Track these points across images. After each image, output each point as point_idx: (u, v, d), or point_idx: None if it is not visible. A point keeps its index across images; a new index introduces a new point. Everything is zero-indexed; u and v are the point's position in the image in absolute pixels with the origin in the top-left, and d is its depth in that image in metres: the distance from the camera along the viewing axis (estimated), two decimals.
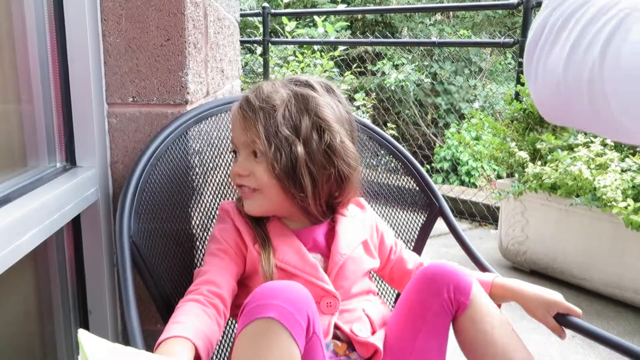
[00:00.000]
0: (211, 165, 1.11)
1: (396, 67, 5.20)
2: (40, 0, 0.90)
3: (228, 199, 1.15)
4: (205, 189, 1.09)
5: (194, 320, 0.72)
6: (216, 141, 1.11)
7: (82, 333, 0.55)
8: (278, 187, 0.86)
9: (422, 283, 0.84)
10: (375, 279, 1.08)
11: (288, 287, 0.70)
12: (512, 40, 2.97)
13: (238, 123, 0.88)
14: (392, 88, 4.93)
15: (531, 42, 0.51)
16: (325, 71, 4.27)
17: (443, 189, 3.53)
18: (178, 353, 0.65)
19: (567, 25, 0.46)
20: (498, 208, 2.75)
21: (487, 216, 3.17)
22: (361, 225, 0.96)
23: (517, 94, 2.64)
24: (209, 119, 1.07)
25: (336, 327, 0.85)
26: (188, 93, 1.02)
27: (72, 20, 0.93)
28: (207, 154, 1.09)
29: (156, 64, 1.00)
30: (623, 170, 2.00)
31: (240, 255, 0.88)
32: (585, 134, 2.24)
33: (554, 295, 0.90)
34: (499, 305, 0.93)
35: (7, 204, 0.73)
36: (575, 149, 2.15)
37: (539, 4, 2.86)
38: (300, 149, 0.83)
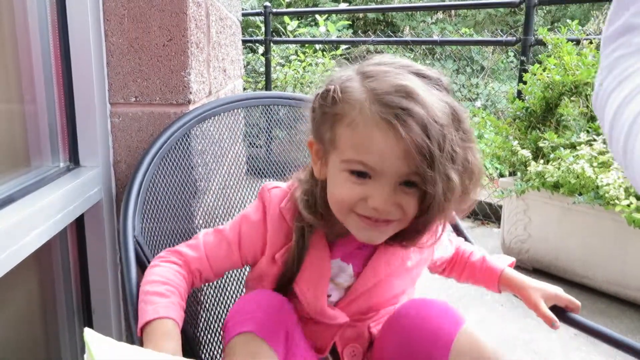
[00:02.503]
0: (214, 165, 1.11)
1: None
2: (42, 0, 0.91)
3: (230, 200, 1.15)
4: (208, 189, 1.09)
5: (174, 294, 0.73)
6: (219, 140, 1.11)
7: (88, 332, 0.55)
8: (411, 218, 0.71)
9: (400, 340, 0.77)
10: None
11: (262, 298, 0.73)
12: (515, 38, 2.97)
13: (394, 149, 0.64)
14: None
15: (596, 100, 0.59)
16: (327, 70, 4.27)
17: None
18: (175, 338, 0.67)
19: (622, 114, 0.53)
20: (500, 206, 2.75)
21: (489, 214, 3.17)
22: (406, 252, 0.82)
23: (519, 93, 2.64)
24: (212, 118, 1.07)
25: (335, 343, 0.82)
26: (190, 93, 1.02)
27: (75, 20, 0.94)
28: (210, 153, 1.10)
29: (158, 64, 1.00)
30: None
31: (243, 258, 0.81)
32: (588, 131, 2.24)
33: (554, 289, 0.91)
34: (499, 290, 0.94)
35: (11, 203, 0.73)
36: (578, 147, 2.15)
37: (541, 2, 2.86)
38: (457, 180, 0.66)
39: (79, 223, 0.97)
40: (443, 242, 0.93)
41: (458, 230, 1.10)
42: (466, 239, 1.06)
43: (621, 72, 0.55)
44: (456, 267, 0.98)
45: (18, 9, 0.88)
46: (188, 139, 1.02)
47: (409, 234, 0.74)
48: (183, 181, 1.01)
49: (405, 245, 0.77)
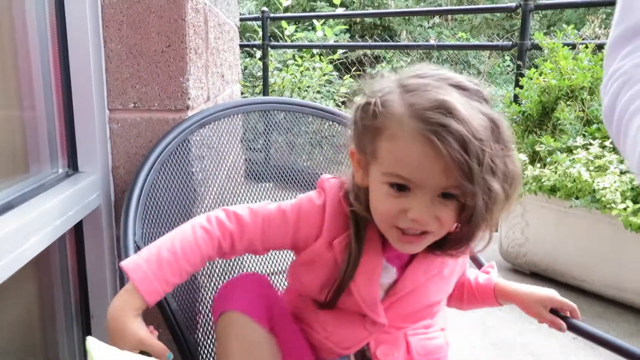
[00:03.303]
0: (212, 170, 1.11)
1: (395, 70, 5.21)
2: (42, 6, 0.91)
3: (228, 204, 1.15)
4: (207, 194, 1.10)
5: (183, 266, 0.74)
6: (217, 146, 1.12)
7: (90, 340, 0.55)
8: (449, 230, 0.73)
9: None
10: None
11: (244, 279, 0.81)
12: (511, 43, 2.98)
13: (434, 164, 0.65)
14: None
15: (606, 113, 0.59)
16: (324, 74, 4.29)
17: None
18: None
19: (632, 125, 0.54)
20: None
21: None
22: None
23: (515, 97, 2.65)
24: (211, 124, 1.07)
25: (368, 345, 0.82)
26: (189, 99, 1.03)
27: (74, 26, 0.94)
28: (209, 159, 1.10)
29: (157, 70, 1.00)
30: (622, 172, 2.00)
31: (295, 240, 0.80)
32: (584, 135, 2.25)
33: (548, 292, 0.91)
34: (500, 304, 0.94)
35: (11, 210, 0.73)
36: (575, 151, 2.16)
37: (537, 7, 2.87)
38: (501, 193, 0.67)
39: (77, 229, 0.97)
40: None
41: None
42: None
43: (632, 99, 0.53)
44: (455, 294, 0.96)
45: (17, 16, 0.88)
46: (187, 145, 1.02)
47: (454, 244, 0.75)
48: (182, 187, 1.02)
49: (452, 255, 0.77)
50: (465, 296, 0.96)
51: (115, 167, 1.02)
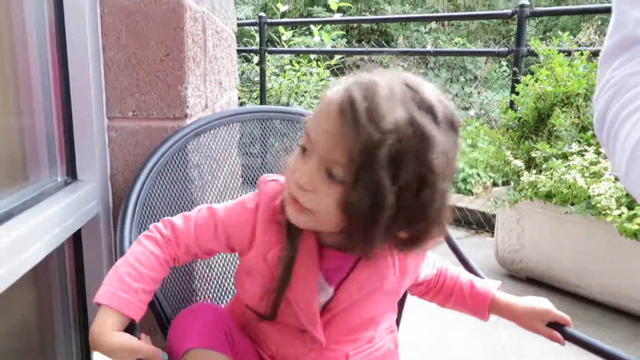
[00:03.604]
0: (209, 177, 1.12)
1: None
2: (41, 14, 0.92)
3: None
4: (204, 201, 1.10)
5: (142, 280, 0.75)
6: (214, 154, 1.12)
7: (97, 356, 0.56)
8: (338, 220, 0.67)
9: None
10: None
11: (196, 310, 0.77)
12: (507, 49, 3.00)
13: (330, 123, 0.64)
14: None
15: (598, 121, 0.60)
16: (321, 80, 4.30)
17: None
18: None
19: (621, 132, 0.55)
20: (494, 216, 2.77)
21: (483, 224, 3.19)
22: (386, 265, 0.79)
23: (511, 103, 2.67)
24: (208, 132, 1.08)
25: None
26: (187, 107, 1.03)
27: (73, 34, 0.95)
28: (206, 166, 1.10)
29: (156, 79, 1.01)
30: (617, 179, 2.02)
31: (230, 246, 0.79)
32: (579, 141, 2.26)
33: (542, 304, 0.90)
34: (487, 318, 0.94)
35: (10, 219, 0.73)
36: (570, 158, 2.17)
37: (533, 14, 2.90)
38: (391, 199, 0.62)
39: (76, 236, 0.98)
40: (429, 263, 0.92)
41: (450, 243, 1.11)
42: (458, 253, 1.07)
43: (636, 95, 0.53)
44: (443, 292, 0.95)
45: (16, 23, 0.89)
46: (184, 153, 1.03)
47: (352, 244, 0.70)
48: (179, 194, 1.02)
49: (363, 255, 0.73)
50: (453, 297, 0.94)
51: (114, 175, 1.03)
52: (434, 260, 0.94)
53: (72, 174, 0.97)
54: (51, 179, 0.95)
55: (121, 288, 0.71)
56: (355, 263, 0.76)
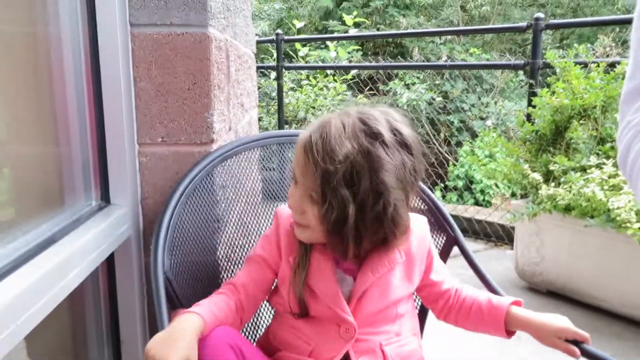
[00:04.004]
0: (233, 196, 1.16)
1: (407, 86, 5.26)
2: (78, 50, 0.98)
3: (249, 230, 1.20)
4: (229, 222, 1.14)
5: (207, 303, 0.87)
6: (238, 174, 1.17)
7: None
8: (325, 232, 0.86)
9: None
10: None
11: (202, 342, 0.80)
12: (523, 62, 3.01)
13: (301, 160, 0.86)
14: (405, 107, 4.98)
15: (621, 158, 0.67)
16: (338, 94, 4.35)
17: (458, 209, 3.55)
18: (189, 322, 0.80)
19: None
20: (513, 228, 2.77)
21: (502, 236, 3.18)
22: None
23: (528, 116, 2.67)
24: (233, 157, 1.13)
25: (348, 355, 0.89)
26: (214, 132, 1.08)
27: (107, 67, 1.00)
28: (230, 187, 1.15)
29: (183, 106, 1.06)
30: None
31: (270, 266, 0.95)
32: (598, 154, 2.26)
33: (562, 322, 0.92)
34: (513, 333, 0.96)
35: (52, 245, 0.78)
36: (588, 170, 2.17)
37: (548, 27, 2.91)
38: (352, 211, 0.81)
39: (109, 259, 1.02)
40: (441, 271, 1.02)
41: (467, 258, 1.13)
42: (477, 269, 1.09)
43: None
44: (462, 310, 1.00)
45: (56, 58, 0.95)
46: (211, 177, 1.07)
47: (332, 247, 0.89)
48: (207, 216, 1.07)
49: (387, 247, 0.89)
50: (472, 314, 0.98)
51: (144, 199, 1.08)
52: (447, 273, 1.04)
53: (105, 198, 1.03)
54: (86, 204, 1.00)
55: (206, 307, 0.85)
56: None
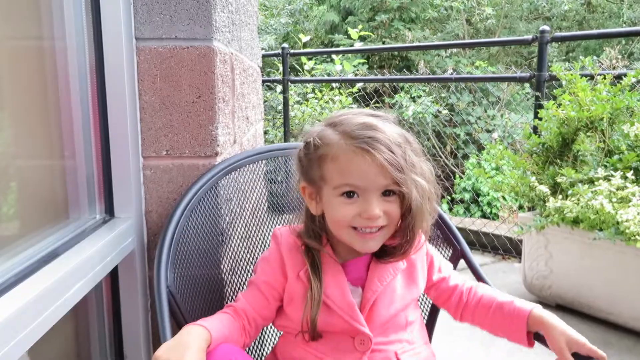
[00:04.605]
0: (238, 209, 1.16)
1: (413, 99, 5.27)
2: (83, 64, 0.99)
3: (254, 243, 1.19)
4: (233, 235, 1.14)
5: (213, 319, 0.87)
6: (243, 187, 1.17)
7: None
8: (397, 222, 0.89)
9: None
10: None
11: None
12: (528, 75, 3.01)
13: (371, 167, 0.84)
14: (411, 120, 4.99)
15: None
16: (343, 107, 4.36)
17: (465, 222, 3.52)
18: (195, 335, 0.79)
19: None
20: (521, 241, 2.74)
21: (510, 249, 3.15)
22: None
23: (535, 128, 2.66)
24: (237, 170, 1.12)
25: None
26: (218, 145, 1.08)
27: (112, 81, 1.01)
28: (235, 200, 1.15)
29: (188, 120, 1.06)
30: None
31: (274, 288, 0.93)
32: (605, 166, 2.24)
33: (580, 337, 0.90)
34: (532, 342, 0.94)
35: (56, 259, 0.78)
36: (596, 183, 2.15)
37: (554, 39, 2.91)
38: (425, 185, 0.87)
39: (113, 272, 1.02)
40: (442, 265, 1.03)
41: (474, 271, 1.12)
42: (478, 275, 1.08)
43: None
44: (480, 309, 0.99)
45: (61, 71, 0.96)
46: (216, 190, 1.07)
47: (399, 247, 0.91)
48: (211, 229, 1.06)
49: (401, 256, 0.92)
50: (490, 314, 0.97)
51: (148, 212, 1.08)
52: (453, 271, 1.05)
53: (110, 211, 1.03)
54: (90, 217, 1.00)
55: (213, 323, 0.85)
56: (368, 265, 0.94)
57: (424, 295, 1.15)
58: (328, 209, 0.89)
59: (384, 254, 0.93)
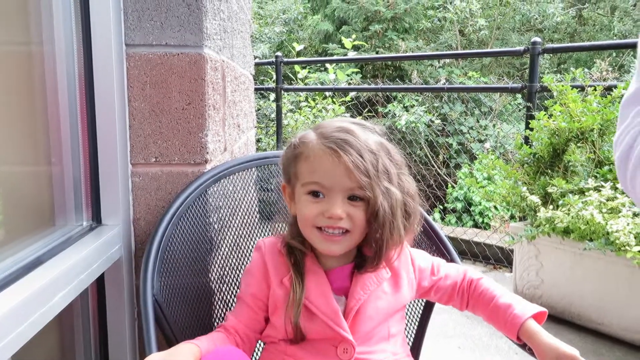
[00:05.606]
0: (228, 219, 1.15)
1: (406, 109, 5.29)
2: (72, 70, 0.98)
3: (244, 251, 1.18)
4: (223, 243, 1.13)
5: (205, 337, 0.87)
6: (233, 195, 1.16)
7: None
8: (364, 230, 0.89)
9: None
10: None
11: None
12: (520, 85, 3.03)
13: (338, 168, 0.85)
14: (403, 130, 5.00)
15: (622, 156, 0.64)
16: (336, 116, 4.36)
17: (457, 231, 3.53)
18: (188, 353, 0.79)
19: None
20: (512, 251, 2.75)
21: (501, 259, 3.15)
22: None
23: (526, 139, 2.68)
24: (227, 177, 1.12)
25: None
26: (207, 152, 1.07)
27: (101, 87, 1.00)
28: (225, 208, 1.14)
29: (178, 126, 1.06)
30: (635, 214, 2.00)
31: (260, 299, 0.93)
32: (596, 177, 2.26)
33: (571, 350, 0.89)
34: (522, 342, 0.94)
35: (40, 266, 0.77)
36: (587, 193, 2.16)
37: (545, 51, 2.94)
38: (399, 195, 0.87)
39: (99, 279, 1.01)
40: (437, 268, 1.02)
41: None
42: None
43: None
44: (480, 303, 0.99)
45: (50, 77, 0.95)
46: (205, 198, 1.06)
47: (371, 258, 0.91)
48: (199, 238, 1.05)
49: (373, 268, 0.92)
50: (489, 311, 0.97)
51: (137, 219, 1.07)
52: (448, 268, 1.04)
53: (96, 218, 1.01)
54: (77, 224, 0.99)
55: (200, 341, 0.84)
56: (352, 274, 0.94)
57: (418, 301, 1.14)
58: (298, 208, 0.91)
59: (363, 262, 0.93)
